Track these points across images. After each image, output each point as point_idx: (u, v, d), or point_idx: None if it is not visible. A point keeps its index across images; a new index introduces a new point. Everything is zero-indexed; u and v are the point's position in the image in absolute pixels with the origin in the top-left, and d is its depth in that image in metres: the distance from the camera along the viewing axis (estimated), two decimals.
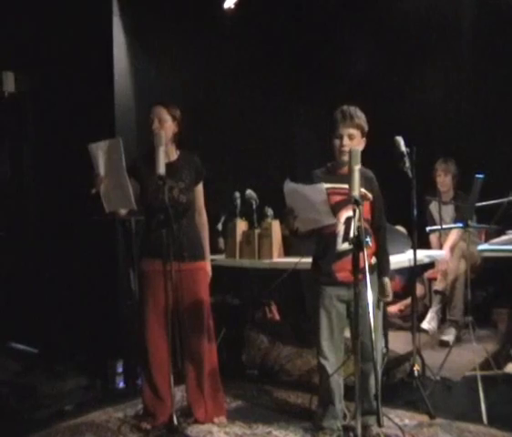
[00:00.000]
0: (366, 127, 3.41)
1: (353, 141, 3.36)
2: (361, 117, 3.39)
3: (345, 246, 3.31)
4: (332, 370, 3.39)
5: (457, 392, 4.13)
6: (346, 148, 3.33)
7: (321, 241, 3.45)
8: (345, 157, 3.36)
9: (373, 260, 3.42)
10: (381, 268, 3.45)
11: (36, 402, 4.17)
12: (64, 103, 5.13)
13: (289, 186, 3.24)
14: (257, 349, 4.84)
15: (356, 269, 2.88)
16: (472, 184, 4.14)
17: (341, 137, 3.37)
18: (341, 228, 3.34)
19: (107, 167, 3.42)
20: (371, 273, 3.36)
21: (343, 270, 3.32)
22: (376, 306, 3.38)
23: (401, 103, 6.17)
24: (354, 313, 2.92)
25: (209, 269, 3.88)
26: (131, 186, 3.46)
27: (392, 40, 6.13)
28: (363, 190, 3.27)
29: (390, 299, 3.54)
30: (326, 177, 3.41)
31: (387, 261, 3.51)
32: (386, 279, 3.47)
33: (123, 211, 3.69)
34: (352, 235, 3.24)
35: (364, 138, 3.42)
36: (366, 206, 3.34)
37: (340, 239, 3.35)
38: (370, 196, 3.38)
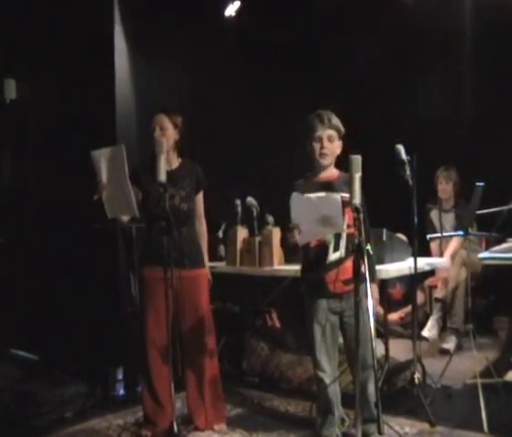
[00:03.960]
0: (343, 130, 3.41)
1: (332, 143, 3.38)
2: (337, 120, 3.41)
3: (336, 255, 3.30)
4: (330, 381, 3.39)
5: (458, 400, 4.12)
6: (327, 151, 3.36)
7: (309, 253, 3.39)
8: (325, 161, 3.38)
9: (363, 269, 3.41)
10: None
11: (37, 409, 4.16)
12: (65, 110, 5.14)
13: (297, 197, 3.16)
14: (257, 356, 4.84)
15: (357, 277, 2.87)
16: (472, 192, 4.14)
17: (320, 140, 3.37)
18: (331, 238, 3.30)
19: (110, 173, 3.43)
20: (363, 281, 3.36)
21: (336, 281, 3.27)
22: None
23: (401, 110, 6.17)
24: (355, 323, 2.91)
25: (208, 276, 3.90)
26: (133, 193, 3.47)
27: (392, 47, 6.14)
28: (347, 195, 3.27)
29: (377, 304, 3.53)
30: (309, 186, 3.37)
31: (373, 266, 3.47)
32: (373, 285, 3.42)
33: (125, 218, 3.71)
34: (341, 244, 3.25)
35: (341, 142, 3.42)
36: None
37: (331, 249, 3.32)
38: None
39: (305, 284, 3.48)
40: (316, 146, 3.38)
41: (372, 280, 3.43)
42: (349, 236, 3.20)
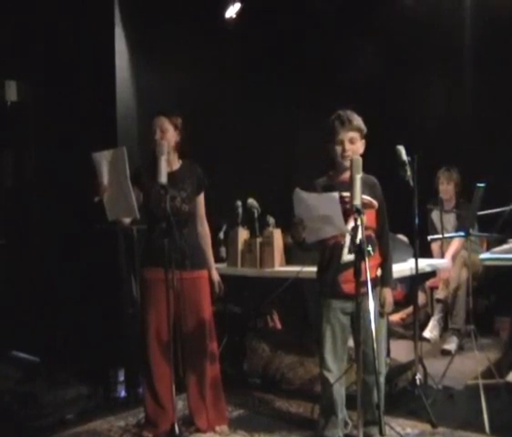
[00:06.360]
0: (365, 129, 3.39)
1: (354, 145, 3.35)
2: (358, 120, 3.38)
3: (351, 256, 3.28)
4: (335, 380, 3.38)
5: (459, 401, 4.12)
6: (349, 153, 3.32)
7: (325, 252, 3.39)
8: (348, 162, 3.35)
9: (379, 272, 3.40)
10: (382, 277, 3.43)
11: (38, 411, 4.16)
12: (66, 112, 5.14)
13: (299, 195, 3.15)
14: (259, 357, 4.84)
15: (358, 278, 2.86)
16: (474, 192, 4.14)
17: (342, 143, 3.35)
18: (347, 239, 3.29)
19: (111, 175, 3.43)
20: (376, 285, 3.35)
21: (348, 282, 3.24)
22: (380, 316, 3.37)
23: (402, 111, 6.17)
24: (356, 324, 2.90)
25: (217, 277, 3.92)
26: (134, 194, 3.47)
27: (393, 48, 6.15)
28: (368, 198, 3.26)
29: (390, 310, 3.51)
30: (328, 185, 3.38)
31: (389, 270, 3.46)
32: (387, 290, 3.43)
33: (126, 220, 3.71)
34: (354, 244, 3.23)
35: (364, 140, 3.40)
36: (371, 213, 3.32)
37: (346, 250, 3.30)
38: (375, 203, 3.35)
39: (319, 282, 3.47)
40: (338, 148, 3.36)
41: (387, 284, 3.43)
42: (366, 237, 3.15)
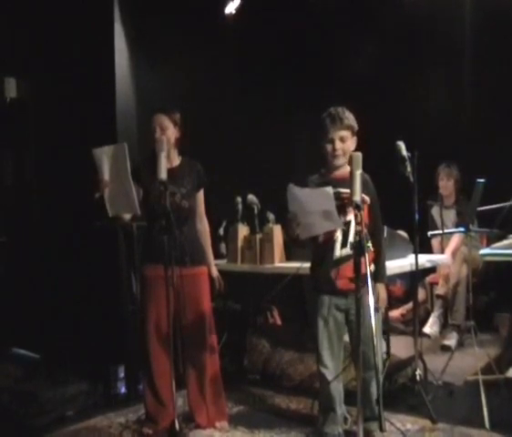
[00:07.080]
0: (356, 126, 3.39)
1: (345, 143, 3.35)
2: (349, 117, 3.37)
3: (344, 252, 3.28)
4: (332, 378, 3.38)
5: (459, 397, 4.12)
6: (339, 152, 3.34)
7: (318, 248, 3.39)
8: (339, 161, 3.36)
9: (373, 267, 3.40)
10: (376, 273, 3.41)
11: (38, 408, 4.16)
12: (65, 109, 5.14)
13: (293, 190, 3.15)
14: (259, 354, 4.84)
15: (358, 274, 2.85)
16: (473, 188, 4.14)
17: (332, 141, 3.35)
18: (339, 234, 3.30)
19: (112, 171, 3.43)
20: (371, 280, 3.35)
21: (342, 278, 3.27)
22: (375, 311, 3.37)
23: (402, 107, 6.17)
24: (356, 320, 2.90)
25: (217, 273, 3.92)
26: (135, 190, 3.47)
27: (393, 44, 6.14)
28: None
29: (384, 305, 3.50)
30: (321, 182, 3.37)
31: (383, 266, 3.46)
32: (381, 285, 3.42)
33: (126, 216, 3.71)
34: (351, 240, 3.23)
35: (355, 137, 3.40)
36: (364, 209, 3.32)
37: (338, 246, 3.31)
38: (367, 199, 3.35)
39: (312, 279, 3.47)
40: (329, 147, 3.37)
41: (381, 280, 3.43)
42: (359, 233, 3.14)
